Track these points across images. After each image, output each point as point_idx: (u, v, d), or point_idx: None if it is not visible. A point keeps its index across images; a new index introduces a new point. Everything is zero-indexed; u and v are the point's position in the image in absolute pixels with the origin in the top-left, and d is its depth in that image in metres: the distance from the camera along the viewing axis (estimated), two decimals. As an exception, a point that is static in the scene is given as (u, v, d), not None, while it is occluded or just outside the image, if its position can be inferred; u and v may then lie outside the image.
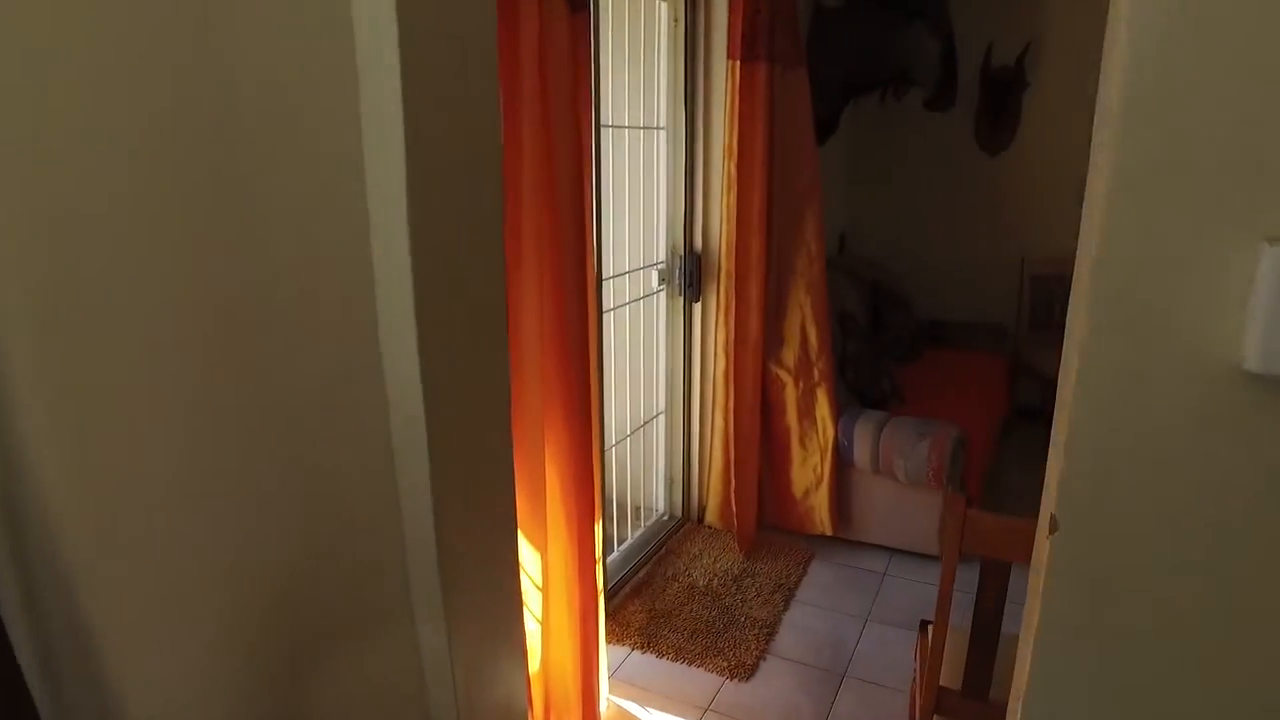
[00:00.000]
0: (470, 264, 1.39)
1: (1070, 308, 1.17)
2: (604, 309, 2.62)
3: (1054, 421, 1.27)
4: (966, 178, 4.78)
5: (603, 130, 2.43)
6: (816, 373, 3.25)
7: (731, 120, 3.00)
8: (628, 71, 2.91)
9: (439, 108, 1.26)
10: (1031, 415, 4.84)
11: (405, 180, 1.22)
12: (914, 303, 4.84)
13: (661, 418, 3.46)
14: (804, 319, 3.25)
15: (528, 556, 2.00)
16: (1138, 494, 0.99)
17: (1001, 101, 4.56)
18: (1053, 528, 1.07)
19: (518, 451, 1.75)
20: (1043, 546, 1.14)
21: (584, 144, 1.95)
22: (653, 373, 3.38)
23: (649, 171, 3.15)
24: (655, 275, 3.20)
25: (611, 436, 3.10)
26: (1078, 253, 1.16)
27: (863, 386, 3.55)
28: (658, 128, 3.13)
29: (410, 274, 1.26)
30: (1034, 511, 1.11)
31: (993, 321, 4.84)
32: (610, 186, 2.91)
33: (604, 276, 2.60)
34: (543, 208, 1.83)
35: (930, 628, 2.06)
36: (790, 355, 3.27)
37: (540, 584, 2.04)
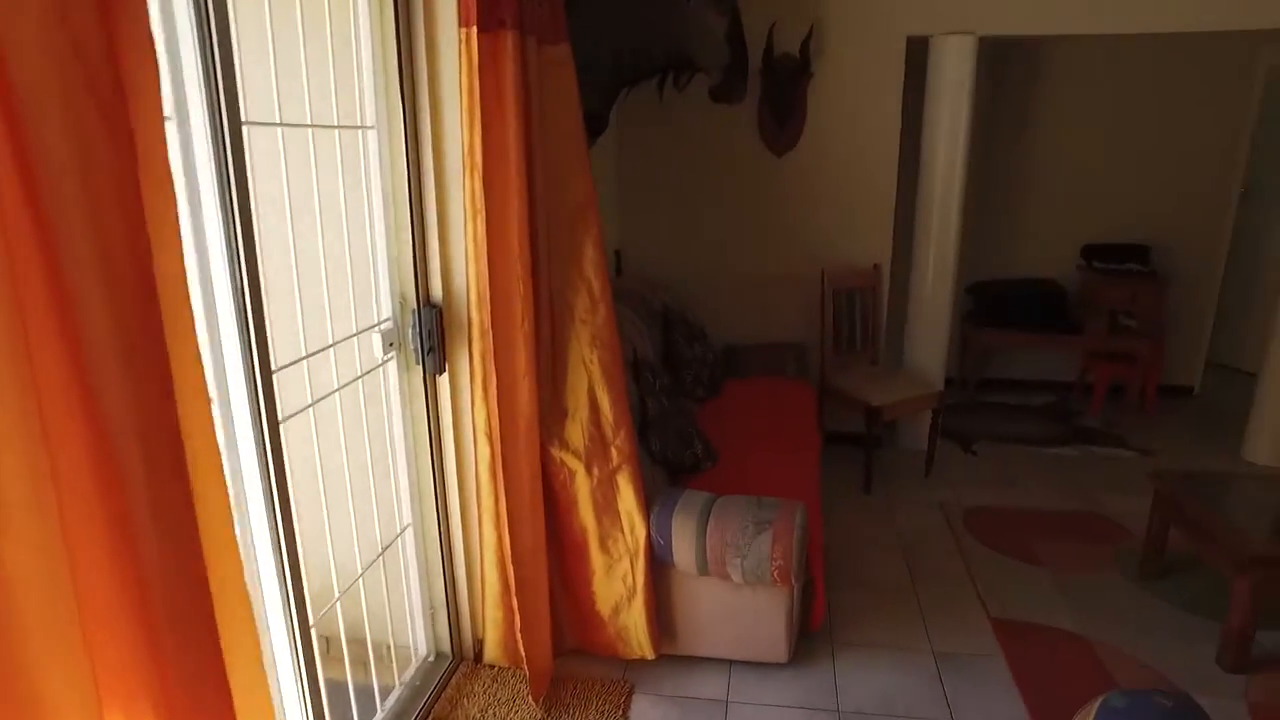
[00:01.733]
0: None
1: None
2: (279, 417, 1.62)
3: None
4: (754, 181, 4.20)
5: (244, 129, 1.43)
6: (615, 453, 2.43)
7: (471, 115, 2.09)
8: (305, 44, 1.91)
9: None
10: (837, 439, 4.38)
11: None
12: (707, 328, 4.19)
13: (410, 532, 2.49)
14: (592, 382, 2.41)
15: None
16: None
17: (785, 94, 4.01)
18: None
19: None
20: None
21: (147, 151, 0.96)
22: (390, 474, 2.40)
23: (356, 192, 2.16)
24: (379, 340, 2.22)
25: (335, 584, 2.09)
26: None
27: (671, 456, 2.79)
28: (363, 127, 2.15)
29: None
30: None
31: (793, 342, 4.31)
32: (290, 217, 1.90)
33: (275, 365, 1.60)
34: (31, 279, 0.83)
35: None
36: (578, 433, 2.42)
37: None
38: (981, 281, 5.22)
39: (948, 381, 5.25)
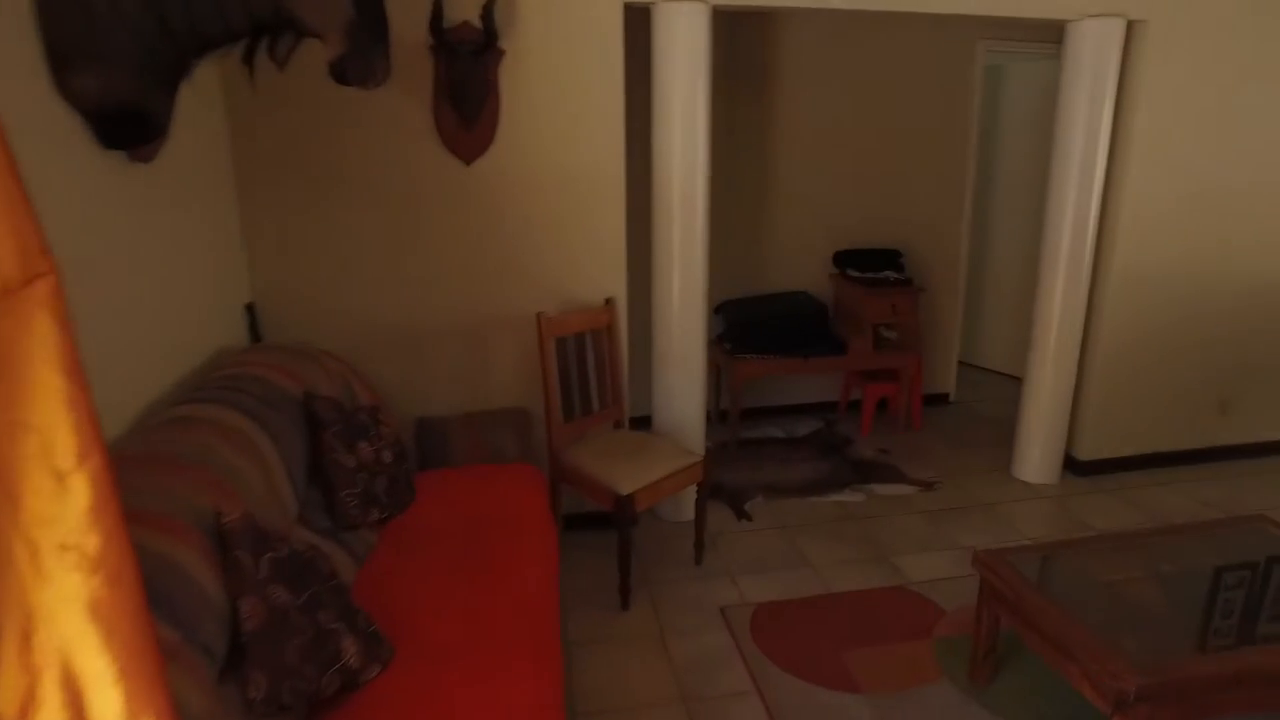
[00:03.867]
0: None
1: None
2: None
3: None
4: (438, 198, 3.08)
5: None
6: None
7: None
8: None
9: None
10: (581, 523, 3.42)
11: None
12: (391, 404, 3.04)
13: None
14: (67, 651, 1.17)
15: None
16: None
17: (469, 80, 2.94)
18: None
19: None
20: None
21: None
22: None
23: None
24: None
25: None
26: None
27: (295, 693, 1.62)
28: None
29: None
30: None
31: (513, 408, 3.26)
32: None
33: None
34: None
35: None
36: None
37: None
38: (733, 300, 4.50)
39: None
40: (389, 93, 2.90)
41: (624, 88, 3.10)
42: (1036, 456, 3.96)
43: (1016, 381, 5.54)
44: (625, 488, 2.81)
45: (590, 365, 3.21)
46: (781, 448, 4.36)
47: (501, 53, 2.96)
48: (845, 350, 4.30)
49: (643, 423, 3.59)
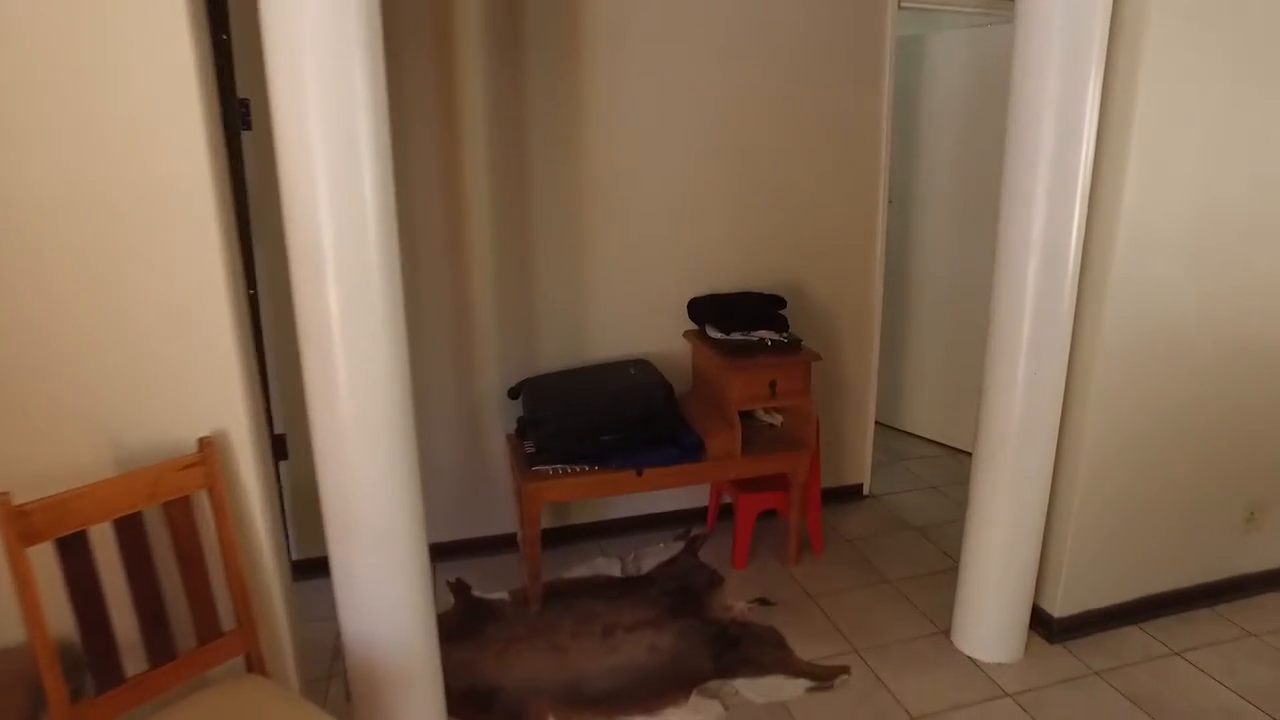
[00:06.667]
0: None
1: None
2: None
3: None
4: None
5: None
6: None
7: None
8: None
9: None
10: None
11: None
12: None
13: None
14: None
15: None
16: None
17: None
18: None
19: None
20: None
21: None
22: None
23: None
24: None
25: None
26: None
27: None
28: None
29: None
30: None
31: (19, 647, 1.69)
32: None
33: None
34: None
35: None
36: None
37: None
38: (538, 377, 3.00)
39: (499, 542, 3.06)
40: None
41: (206, 36, 1.57)
42: (990, 622, 2.57)
43: (948, 452, 4.24)
44: None
45: (168, 571, 1.66)
46: (611, 601, 2.87)
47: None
48: (702, 452, 2.85)
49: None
